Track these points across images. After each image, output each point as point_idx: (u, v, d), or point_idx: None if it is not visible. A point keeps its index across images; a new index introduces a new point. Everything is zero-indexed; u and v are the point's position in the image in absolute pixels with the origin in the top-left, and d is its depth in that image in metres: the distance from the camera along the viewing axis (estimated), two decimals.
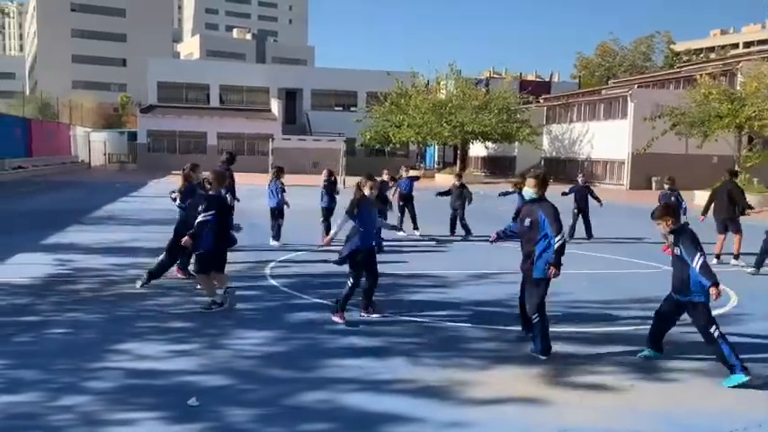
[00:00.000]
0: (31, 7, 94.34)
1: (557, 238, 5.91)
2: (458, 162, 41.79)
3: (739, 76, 31.23)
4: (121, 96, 69.18)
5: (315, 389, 5.10)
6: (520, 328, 6.59)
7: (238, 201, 11.84)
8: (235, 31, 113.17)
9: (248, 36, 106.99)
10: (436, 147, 53.04)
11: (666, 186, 12.73)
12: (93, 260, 10.43)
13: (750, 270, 10.43)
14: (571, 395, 5.21)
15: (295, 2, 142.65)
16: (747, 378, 5.33)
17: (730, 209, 11.36)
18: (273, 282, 8.94)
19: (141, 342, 6.19)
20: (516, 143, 42.15)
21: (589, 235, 13.82)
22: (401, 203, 14.36)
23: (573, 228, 13.44)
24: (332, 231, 7.74)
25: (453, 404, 4.95)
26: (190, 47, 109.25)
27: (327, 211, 12.52)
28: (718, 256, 11.18)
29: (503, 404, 4.98)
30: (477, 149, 47.82)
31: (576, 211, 13.79)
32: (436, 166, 52.61)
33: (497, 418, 4.72)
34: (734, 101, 24.76)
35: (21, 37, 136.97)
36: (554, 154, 41.93)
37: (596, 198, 14.08)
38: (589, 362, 6.01)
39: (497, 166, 46.92)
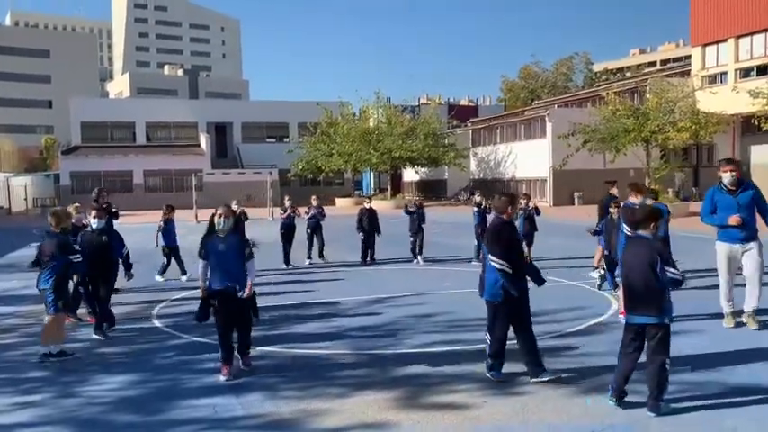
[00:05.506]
0: None
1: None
2: (389, 188, 42.18)
3: (647, 92, 32.70)
4: (45, 139, 66.99)
5: None
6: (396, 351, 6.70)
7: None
8: (166, 67, 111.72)
9: (180, 72, 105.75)
10: (371, 173, 53.34)
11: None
12: None
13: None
14: (420, 416, 5.23)
15: (227, 36, 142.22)
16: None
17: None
18: (157, 322, 8.70)
19: None
20: (446, 167, 42.86)
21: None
22: (309, 231, 14.40)
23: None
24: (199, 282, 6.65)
25: None
26: (119, 85, 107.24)
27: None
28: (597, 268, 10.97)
29: None
30: (411, 174, 48.35)
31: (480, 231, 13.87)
32: (372, 192, 52.86)
33: None
34: (639, 116, 25.88)
35: None
36: (481, 175, 42.76)
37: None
38: (450, 381, 6.04)
39: (430, 190, 47.52)
